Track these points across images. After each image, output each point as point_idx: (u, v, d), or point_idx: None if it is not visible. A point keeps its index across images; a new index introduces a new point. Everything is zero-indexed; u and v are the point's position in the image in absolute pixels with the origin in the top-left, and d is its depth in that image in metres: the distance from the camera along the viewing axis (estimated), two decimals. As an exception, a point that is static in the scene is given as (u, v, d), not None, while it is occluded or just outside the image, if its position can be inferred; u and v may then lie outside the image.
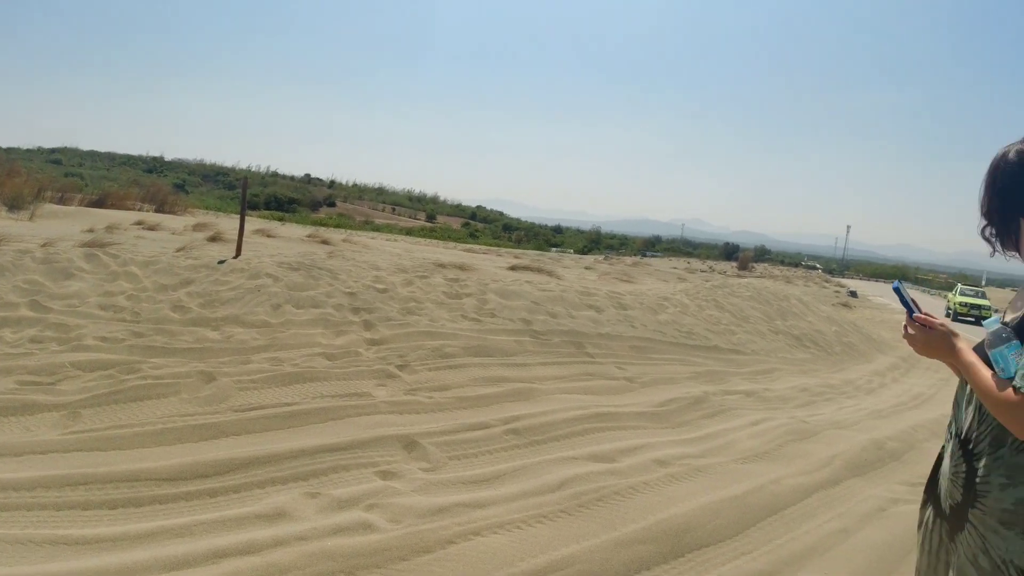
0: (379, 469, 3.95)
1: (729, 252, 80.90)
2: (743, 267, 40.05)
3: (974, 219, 1.71)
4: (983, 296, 33.37)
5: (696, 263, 47.93)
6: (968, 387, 1.69)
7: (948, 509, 1.70)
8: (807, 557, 3.76)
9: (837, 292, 35.07)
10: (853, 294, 35.30)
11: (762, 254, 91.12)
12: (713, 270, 36.13)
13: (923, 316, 1.75)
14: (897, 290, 1.84)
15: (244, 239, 9.32)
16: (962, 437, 1.69)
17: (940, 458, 1.82)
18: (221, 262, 7.90)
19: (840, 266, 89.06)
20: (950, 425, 1.80)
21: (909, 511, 4.58)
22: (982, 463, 1.60)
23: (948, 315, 28.33)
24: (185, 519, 3.23)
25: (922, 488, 5.23)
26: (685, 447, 5.22)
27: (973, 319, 27.95)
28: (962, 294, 32.61)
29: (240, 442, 4.08)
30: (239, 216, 9.44)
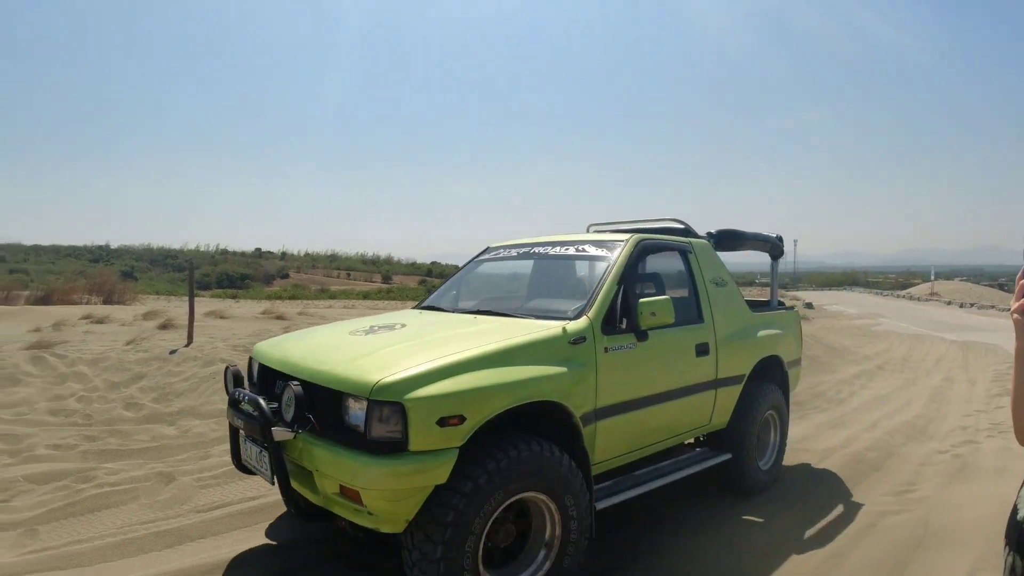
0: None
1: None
2: (701, 292, 40.46)
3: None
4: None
5: (655, 293, 48.35)
6: None
7: None
8: (805, 589, 3.65)
9: (793, 306, 35.60)
10: (809, 306, 35.84)
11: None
12: (672, 298, 36.42)
13: None
14: None
15: (196, 323, 9.06)
16: None
17: (1015, 508, 1.66)
18: (173, 352, 7.64)
19: (792, 280, 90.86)
20: None
21: (898, 523, 4.52)
22: None
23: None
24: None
25: (907, 496, 5.13)
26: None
27: None
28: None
29: (206, 546, 3.85)
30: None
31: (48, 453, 5.06)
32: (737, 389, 4.84)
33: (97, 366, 7.09)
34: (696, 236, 5.07)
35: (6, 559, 3.66)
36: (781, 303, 6.03)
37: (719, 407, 4.65)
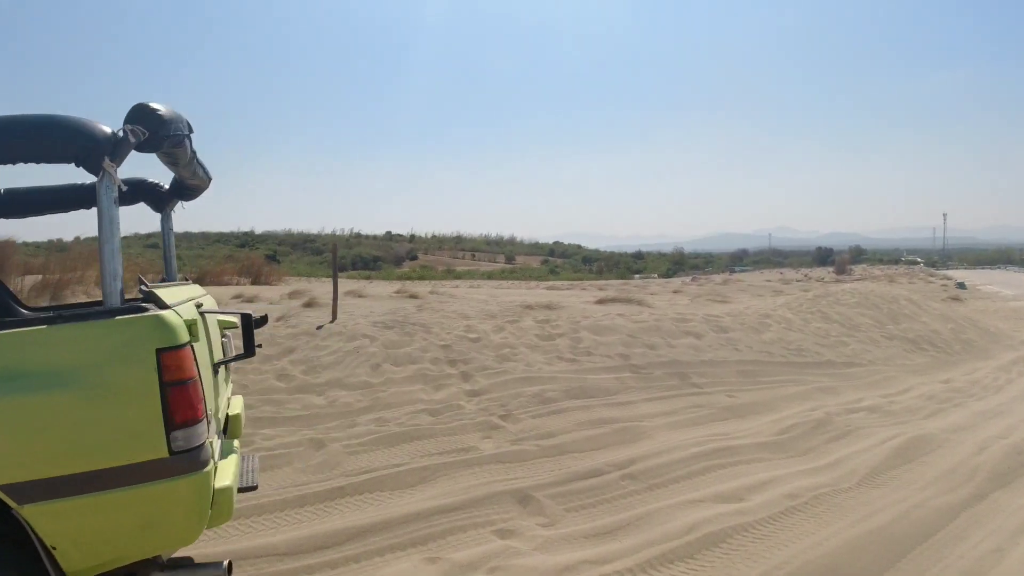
0: (496, 528, 3.85)
1: (823, 257, 78.15)
2: (841, 271, 38.37)
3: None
4: None
5: (790, 273, 46.42)
6: None
7: None
8: (965, 586, 3.44)
9: (944, 286, 33.16)
10: (961, 286, 33.30)
11: (858, 255, 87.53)
12: (809, 278, 34.81)
13: None
14: None
15: (337, 302, 9.53)
16: None
17: None
18: (319, 327, 8.08)
19: (942, 257, 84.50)
20: None
21: (1064, 519, 4.18)
22: None
23: None
24: (311, 596, 3.21)
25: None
26: (816, 477, 4.91)
27: None
28: None
29: (355, 510, 4.07)
30: (331, 281, 9.67)
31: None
32: None
33: (251, 340, 7.62)
34: None
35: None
36: (153, 291, 2.40)
37: None
